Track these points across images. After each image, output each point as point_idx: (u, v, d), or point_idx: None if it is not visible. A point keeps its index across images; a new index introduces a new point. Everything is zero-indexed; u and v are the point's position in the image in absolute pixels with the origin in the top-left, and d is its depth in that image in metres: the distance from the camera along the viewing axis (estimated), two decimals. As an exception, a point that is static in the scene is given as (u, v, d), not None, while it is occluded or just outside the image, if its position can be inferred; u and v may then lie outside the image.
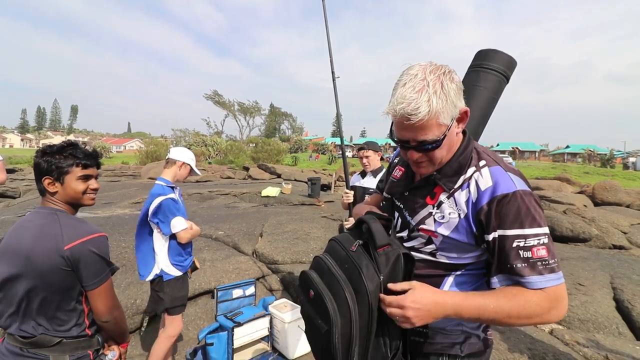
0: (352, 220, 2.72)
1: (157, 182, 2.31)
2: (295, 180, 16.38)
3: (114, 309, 1.35)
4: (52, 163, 1.29)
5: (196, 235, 2.35)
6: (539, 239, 0.82)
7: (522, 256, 0.82)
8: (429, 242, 0.95)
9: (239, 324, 2.67)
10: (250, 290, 3.06)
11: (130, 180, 16.41)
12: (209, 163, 27.83)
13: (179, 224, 2.18)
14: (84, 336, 1.30)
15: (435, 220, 0.92)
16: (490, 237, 0.85)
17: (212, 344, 2.55)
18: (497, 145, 73.71)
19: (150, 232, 2.24)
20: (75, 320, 1.28)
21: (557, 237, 5.90)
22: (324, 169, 23.91)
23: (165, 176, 2.33)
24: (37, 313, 1.23)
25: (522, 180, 0.88)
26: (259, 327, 2.82)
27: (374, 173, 2.90)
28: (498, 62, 1.32)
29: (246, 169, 21.73)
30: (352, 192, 2.82)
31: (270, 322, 2.88)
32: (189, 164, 2.39)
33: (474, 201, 0.87)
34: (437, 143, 0.85)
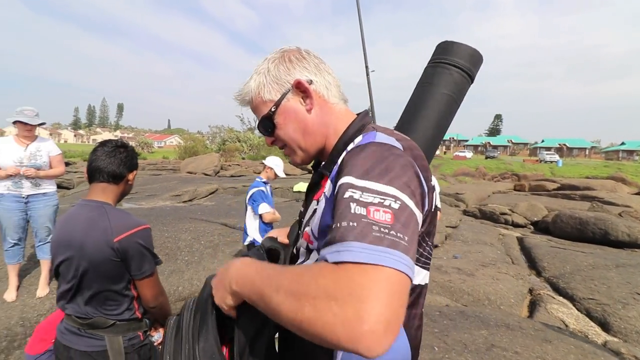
0: None
1: (256, 179, 3.44)
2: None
3: (159, 295, 1.43)
4: (135, 158, 1.46)
5: (276, 220, 3.34)
6: (384, 199, 0.52)
7: (351, 211, 0.51)
8: (308, 252, 0.73)
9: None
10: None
11: (170, 174, 17.28)
12: (243, 158, 28.61)
13: (263, 208, 3.23)
14: (134, 319, 1.39)
15: (314, 219, 0.71)
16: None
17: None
18: (542, 141, 69.22)
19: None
20: (127, 305, 1.37)
21: (612, 241, 5.44)
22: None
23: (262, 175, 3.46)
24: (92, 297, 1.32)
25: (394, 140, 0.64)
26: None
27: None
28: (458, 56, 1.13)
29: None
30: None
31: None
32: (272, 168, 3.40)
33: (336, 170, 0.66)
34: (267, 121, 0.76)
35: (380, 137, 0.64)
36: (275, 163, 3.44)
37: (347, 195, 0.54)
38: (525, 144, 74.96)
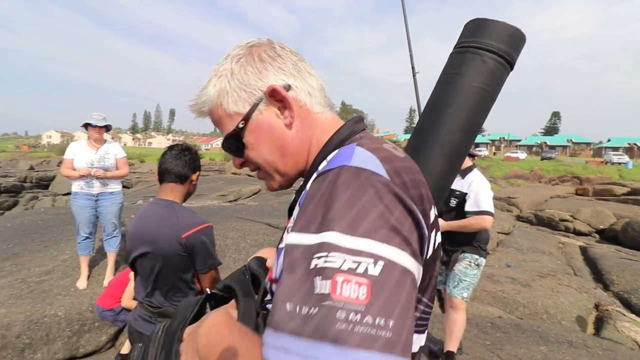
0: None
1: None
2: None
3: None
4: (198, 160, 1.56)
5: None
6: (358, 262, 0.36)
7: (301, 283, 0.37)
8: (272, 294, 0.56)
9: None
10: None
11: (217, 175, 18.19)
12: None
13: None
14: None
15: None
16: None
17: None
18: (608, 140, 62.50)
19: None
20: (193, 296, 1.47)
21: None
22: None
23: None
24: (163, 288, 1.45)
25: (377, 160, 0.45)
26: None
27: (462, 173, 2.67)
28: (492, 37, 0.89)
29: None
30: None
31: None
32: None
33: (302, 199, 0.50)
34: (234, 140, 0.58)
35: (358, 158, 0.45)
36: None
37: (296, 254, 0.39)
38: (588, 144, 68.19)
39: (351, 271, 0.35)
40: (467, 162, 2.66)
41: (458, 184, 2.63)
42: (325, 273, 0.35)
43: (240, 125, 0.56)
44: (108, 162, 3.29)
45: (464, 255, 2.52)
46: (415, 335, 0.52)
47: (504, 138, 73.09)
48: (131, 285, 2.44)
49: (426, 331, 0.57)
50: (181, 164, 1.49)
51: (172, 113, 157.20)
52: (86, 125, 3.21)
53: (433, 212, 0.50)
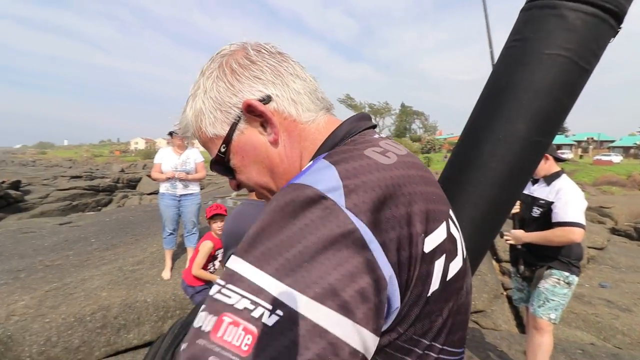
0: (516, 234, 2.34)
1: None
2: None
3: None
4: None
5: None
6: (256, 302, 0.29)
7: (200, 313, 0.31)
8: None
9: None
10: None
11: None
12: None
13: None
14: None
15: None
16: None
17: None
18: None
19: None
20: None
21: None
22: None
23: None
24: None
25: (336, 176, 0.36)
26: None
27: (548, 180, 2.38)
28: None
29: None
30: (518, 201, 2.42)
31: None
32: None
33: None
34: (219, 164, 0.52)
35: (313, 173, 0.37)
36: None
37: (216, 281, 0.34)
38: None
39: (244, 313, 0.28)
40: (553, 166, 2.37)
41: (543, 192, 2.36)
42: (215, 307, 0.30)
43: (222, 149, 0.50)
44: (189, 166, 3.64)
45: (550, 272, 2.25)
46: None
47: (592, 139, 64.06)
48: (200, 256, 2.73)
49: None
50: None
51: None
52: (171, 133, 3.59)
53: (440, 232, 0.39)
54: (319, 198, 0.33)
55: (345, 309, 0.29)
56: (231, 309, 0.29)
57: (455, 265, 0.42)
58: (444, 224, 0.41)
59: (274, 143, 0.49)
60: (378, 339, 0.32)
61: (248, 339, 0.28)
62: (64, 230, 5.35)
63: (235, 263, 0.32)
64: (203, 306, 0.31)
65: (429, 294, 0.37)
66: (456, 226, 0.46)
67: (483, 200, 0.66)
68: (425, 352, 0.39)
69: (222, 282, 0.31)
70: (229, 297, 0.30)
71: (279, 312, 0.28)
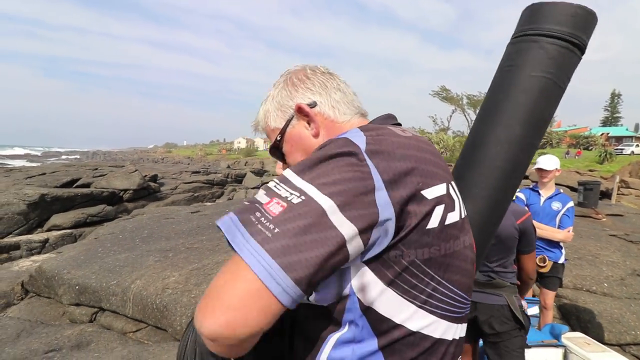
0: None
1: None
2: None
3: (534, 271, 1.87)
4: None
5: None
6: (292, 194, 0.47)
7: (257, 195, 0.51)
8: None
9: (526, 346, 2.33)
10: (534, 310, 2.63)
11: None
12: (436, 160, 27.54)
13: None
14: (515, 284, 1.80)
15: None
16: None
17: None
18: None
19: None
20: (512, 274, 1.78)
21: None
22: (590, 170, 18.14)
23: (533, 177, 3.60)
24: (496, 265, 1.75)
25: (362, 136, 0.53)
26: (549, 358, 2.37)
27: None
28: (550, 20, 0.80)
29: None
30: None
31: (565, 356, 2.35)
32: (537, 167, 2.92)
33: None
34: (276, 150, 0.73)
35: (347, 133, 0.55)
36: (539, 161, 2.88)
37: (268, 183, 0.53)
38: None
39: (284, 198, 0.47)
40: None
41: None
42: (271, 194, 0.49)
43: (279, 138, 0.71)
44: None
45: None
46: (431, 317, 0.53)
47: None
48: None
49: (458, 322, 0.58)
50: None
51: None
52: None
53: (440, 188, 0.53)
54: (349, 143, 0.51)
55: (342, 202, 0.45)
56: (278, 196, 0.47)
57: (453, 217, 0.54)
58: (444, 184, 0.54)
59: (315, 135, 0.68)
60: (362, 237, 0.46)
61: (278, 208, 0.46)
62: (195, 218, 6.20)
63: (287, 173, 0.51)
64: (263, 189, 0.50)
65: (428, 228, 0.50)
66: (456, 192, 0.59)
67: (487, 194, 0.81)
68: (426, 279, 0.52)
69: (278, 181, 0.50)
70: (279, 190, 0.48)
71: (302, 197, 0.46)
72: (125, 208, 10.43)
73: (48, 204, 8.11)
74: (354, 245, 0.46)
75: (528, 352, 2.38)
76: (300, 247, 0.43)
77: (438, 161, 0.56)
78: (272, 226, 0.44)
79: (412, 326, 0.52)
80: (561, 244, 2.83)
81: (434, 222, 0.51)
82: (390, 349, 0.51)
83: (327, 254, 0.43)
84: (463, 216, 0.58)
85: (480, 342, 1.91)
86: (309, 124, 0.68)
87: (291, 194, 0.47)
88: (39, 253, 6.19)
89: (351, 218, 0.45)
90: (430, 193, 0.51)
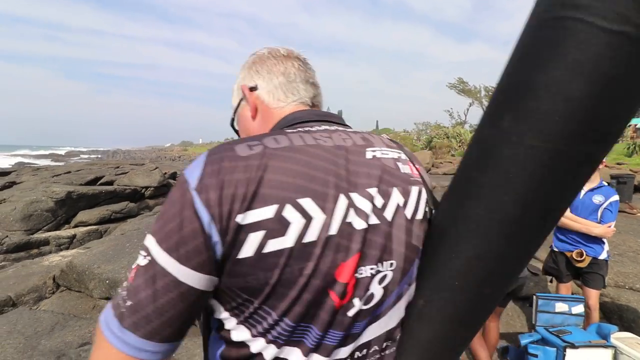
0: None
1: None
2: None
3: None
4: None
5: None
6: (142, 253, 0.49)
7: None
8: None
9: (573, 346, 2.21)
10: (578, 309, 2.50)
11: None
12: (452, 155, 27.07)
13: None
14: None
15: None
16: None
17: (536, 356, 2.26)
18: None
19: None
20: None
21: None
22: (618, 163, 17.37)
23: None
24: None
25: (200, 165, 0.49)
26: (597, 359, 2.24)
27: None
28: None
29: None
30: None
31: (614, 357, 2.22)
32: None
33: None
34: (232, 127, 0.79)
35: (193, 163, 0.51)
36: None
37: None
38: None
39: (139, 262, 0.49)
40: None
41: None
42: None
43: (232, 117, 0.76)
44: None
45: None
46: (273, 349, 0.52)
47: None
48: None
49: (304, 344, 0.52)
50: None
51: (340, 114, 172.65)
52: None
53: (264, 211, 0.47)
54: (185, 183, 0.49)
55: (173, 251, 0.46)
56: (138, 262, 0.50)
57: (277, 244, 0.48)
58: (273, 207, 0.47)
59: (253, 118, 0.70)
60: (200, 274, 0.47)
61: (132, 273, 0.49)
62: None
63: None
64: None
65: (236, 257, 0.47)
66: (305, 213, 0.48)
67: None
68: (261, 313, 0.50)
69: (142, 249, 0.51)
70: (139, 256, 0.50)
71: (148, 257, 0.48)
72: (147, 204, 10.65)
73: (74, 201, 8.35)
74: (199, 283, 0.47)
75: (575, 353, 2.26)
76: (141, 304, 0.46)
77: (295, 180, 0.49)
78: (124, 300, 0.47)
79: (253, 349, 0.52)
80: (604, 239, 2.68)
81: (247, 252, 0.47)
82: None
83: (166, 302, 0.46)
84: (305, 243, 0.48)
85: None
86: (250, 107, 0.71)
87: (141, 254, 0.49)
88: (67, 248, 6.37)
89: (182, 261, 0.46)
90: (247, 219, 0.47)
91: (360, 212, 0.51)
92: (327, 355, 0.53)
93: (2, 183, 9.17)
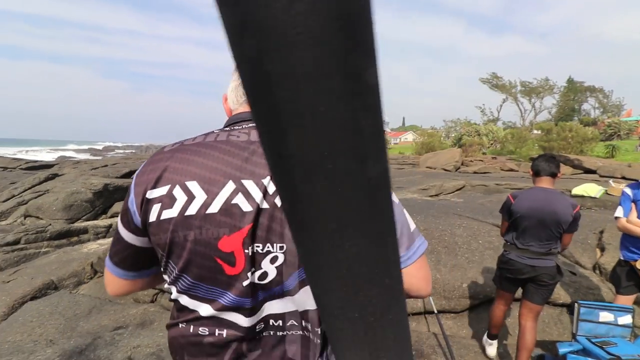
0: None
1: None
2: (624, 178, 11.96)
3: (568, 245, 2.39)
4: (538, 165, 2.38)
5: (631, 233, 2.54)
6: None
7: None
8: None
9: (618, 359, 2.04)
10: (626, 319, 2.30)
11: (411, 169, 18.23)
12: (484, 153, 26.04)
13: (617, 212, 2.62)
14: (558, 253, 2.38)
15: None
16: None
17: (575, 368, 2.10)
18: None
19: None
20: (557, 246, 2.32)
21: None
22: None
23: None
24: (551, 242, 2.30)
25: (151, 156, 0.74)
26: (646, 375, 2.05)
27: None
28: None
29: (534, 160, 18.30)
30: None
31: (667, 375, 2.03)
32: None
33: None
34: None
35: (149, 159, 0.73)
36: None
37: None
38: None
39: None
40: None
41: None
42: None
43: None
44: None
45: None
46: (186, 299, 0.69)
47: None
48: None
49: (211, 301, 0.67)
50: (553, 165, 2.33)
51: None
52: None
53: (162, 190, 0.64)
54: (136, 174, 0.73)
55: (122, 220, 0.72)
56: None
57: (167, 214, 0.64)
58: (167, 186, 0.64)
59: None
60: (132, 234, 0.71)
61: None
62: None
63: None
64: None
65: (148, 222, 0.66)
66: (189, 192, 0.64)
67: None
68: (163, 262, 0.69)
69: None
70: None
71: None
72: (176, 198, 11.05)
73: (111, 192, 8.79)
74: (132, 240, 0.71)
75: (621, 366, 2.10)
76: (112, 249, 0.75)
77: (188, 168, 0.64)
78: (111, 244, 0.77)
79: (173, 296, 0.72)
80: None
81: (152, 218, 0.65)
82: (176, 303, 0.72)
83: (118, 249, 0.74)
84: (186, 215, 0.63)
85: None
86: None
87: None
88: (104, 237, 6.72)
89: (125, 227, 0.71)
90: (151, 194, 0.65)
91: (249, 197, 0.62)
92: (232, 318, 0.66)
93: (46, 175, 9.81)
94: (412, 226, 0.69)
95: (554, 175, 2.30)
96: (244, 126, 0.73)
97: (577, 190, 7.67)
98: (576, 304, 2.34)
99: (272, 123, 0.16)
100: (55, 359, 2.29)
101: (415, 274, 0.66)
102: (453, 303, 3.23)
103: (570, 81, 50.16)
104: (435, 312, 2.82)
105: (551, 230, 2.23)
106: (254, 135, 0.68)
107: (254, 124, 0.72)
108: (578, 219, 2.27)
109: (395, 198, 0.63)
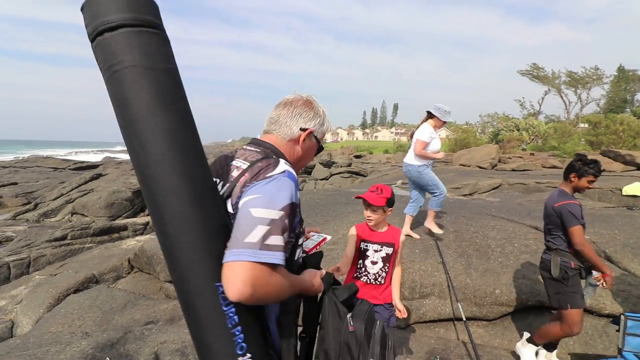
0: None
1: None
2: (682, 175, 10.76)
3: (582, 243, 2.28)
4: (577, 166, 2.41)
5: None
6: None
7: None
8: None
9: None
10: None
11: (443, 166, 17.56)
12: (523, 149, 24.56)
13: None
14: (566, 251, 2.38)
15: None
16: None
17: (622, 388, 1.91)
18: None
19: None
20: (561, 241, 2.40)
21: None
22: None
23: None
24: (548, 236, 2.50)
25: None
26: None
27: None
28: (110, 11, 0.74)
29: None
30: None
31: None
32: None
33: None
34: None
35: None
36: None
37: None
38: None
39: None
40: None
41: None
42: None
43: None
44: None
45: None
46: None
47: None
48: None
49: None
50: (566, 170, 2.47)
51: (396, 107, 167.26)
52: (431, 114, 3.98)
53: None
54: None
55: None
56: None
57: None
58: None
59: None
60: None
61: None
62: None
63: None
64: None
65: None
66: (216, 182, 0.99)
67: None
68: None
69: None
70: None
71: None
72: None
73: (148, 191, 9.28)
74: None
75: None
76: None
77: (218, 168, 1.02)
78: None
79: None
80: None
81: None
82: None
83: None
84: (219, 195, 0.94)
85: None
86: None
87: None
88: (141, 234, 7.10)
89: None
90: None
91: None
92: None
93: (91, 175, 10.52)
94: (253, 240, 0.79)
95: (564, 178, 2.48)
96: (244, 146, 1.09)
97: (628, 189, 7.00)
98: (622, 316, 2.12)
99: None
100: (89, 351, 2.43)
101: (224, 272, 0.79)
102: (485, 310, 3.05)
103: (621, 69, 45.41)
104: (464, 319, 2.69)
105: (546, 225, 2.51)
106: (238, 153, 1.06)
107: (248, 146, 1.10)
108: (564, 213, 2.32)
109: (264, 214, 0.82)
